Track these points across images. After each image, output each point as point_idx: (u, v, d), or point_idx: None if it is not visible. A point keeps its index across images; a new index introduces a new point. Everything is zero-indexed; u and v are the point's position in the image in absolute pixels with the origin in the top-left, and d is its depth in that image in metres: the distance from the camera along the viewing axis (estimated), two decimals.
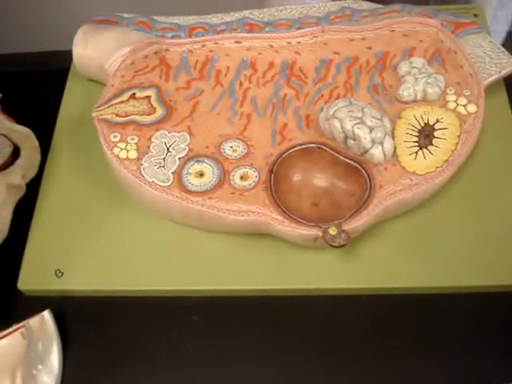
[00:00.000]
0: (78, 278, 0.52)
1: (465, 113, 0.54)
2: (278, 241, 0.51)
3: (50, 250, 0.54)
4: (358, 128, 0.51)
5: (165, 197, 0.51)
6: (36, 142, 0.58)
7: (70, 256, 0.53)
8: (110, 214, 0.55)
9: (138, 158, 0.53)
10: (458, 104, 0.54)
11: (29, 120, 0.59)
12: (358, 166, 0.52)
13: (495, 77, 0.57)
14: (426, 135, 0.53)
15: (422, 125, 0.54)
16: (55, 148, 0.60)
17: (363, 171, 0.52)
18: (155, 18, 0.63)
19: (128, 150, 0.53)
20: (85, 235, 0.55)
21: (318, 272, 0.51)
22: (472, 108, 0.54)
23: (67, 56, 0.63)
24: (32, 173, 0.58)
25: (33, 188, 0.57)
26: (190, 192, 0.51)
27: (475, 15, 0.64)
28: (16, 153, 0.57)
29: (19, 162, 0.56)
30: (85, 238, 0.54)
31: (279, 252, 0.52)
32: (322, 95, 0.57)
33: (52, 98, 0.64)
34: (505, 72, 0.57)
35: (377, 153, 0.51)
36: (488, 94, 0.56)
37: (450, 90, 0.55)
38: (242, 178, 0.52)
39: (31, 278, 0.53)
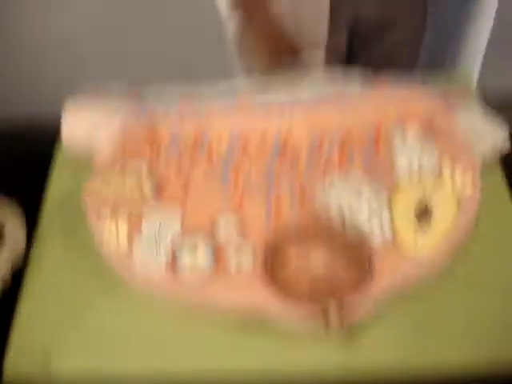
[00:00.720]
0: (66, 362, 0.50)
1: (461, 186, 0.53)
2: (274, 327, 0.50)
3: (37, 333, 0.51)
4: (356, 204, 0.50)
5: (157, 279, 0.49)
6: (21, 219, 0.57)
7: (58, 339, 0.51)
8: (100, 294, 0.53)
9: (129, 242, 0.51)
10: (454, 178, 0.54)
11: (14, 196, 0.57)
12: (356, 243, 0.51)
13: (490, 151, 0.56)
14: (423, 213, 0.52)
15: (420, 200, 0.53)
16: (43, 226, 0.58)
17: (362, 249, 0.51)
18: (145, 88, 0.63)
19: (118, 229, 0.52)
20: (73, 318, 0.52)
21: (315, 358, 0.49)
22: (469, 181, 0.53)
23: (55, 127, 0.62)
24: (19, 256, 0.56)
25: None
26: (183, 274, 0.49)
27: (464, 81, 0.64)
28: None
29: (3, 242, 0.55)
30: (73, 320, 0.52)
31: (277, 337, 0.50)
32: (317, 171, 0.56)
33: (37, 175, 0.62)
34: (499, 146, 0.57)
35: (375, 230, 0.50)
36: (482, 168, 0.55)
37: (445, 163, 0.55)
38: (238, 257, 0.50)
39: (17, 362, 0.50)
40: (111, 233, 0.52)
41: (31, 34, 1.40)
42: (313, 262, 0.52)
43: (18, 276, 0.55)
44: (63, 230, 0.58)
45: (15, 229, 0.56)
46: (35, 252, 0.56)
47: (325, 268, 0.51)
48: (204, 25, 0.98)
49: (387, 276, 0.49)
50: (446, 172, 0.54)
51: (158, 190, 0.55)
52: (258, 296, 0.48)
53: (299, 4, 0.72)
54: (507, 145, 0.57)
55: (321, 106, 0.58)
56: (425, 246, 0.50)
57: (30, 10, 1.32)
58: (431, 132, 0.57)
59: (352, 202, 0.50)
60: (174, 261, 0.50)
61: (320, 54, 0.76)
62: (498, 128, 0.57)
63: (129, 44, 1.30)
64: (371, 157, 0.56)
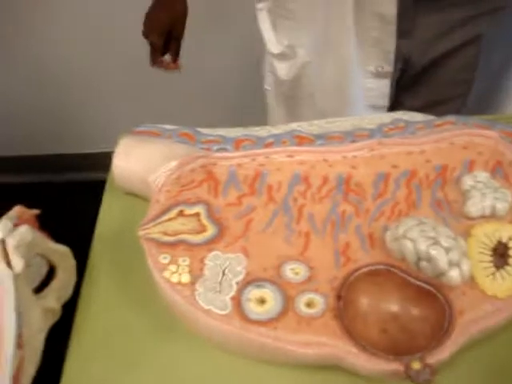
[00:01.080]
0: None
1: None
2: (348, 375, 0.46)
3: (88, 380, 0.48)
4: (434, 249, 0.47)
5: (223, 327, 0.46)
6: (73, 262, 0.54)
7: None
8: (156, 342, 0.50)
9: (192, 283, 0.48)
10: None
11: (64, 235, 0.55)
12: (431, 289, 0.48)
13: None
14: (500, 254, 0.49)
15: (495, 243, 0.50)
16: (92, 267, 0.56)
17: (439, 295, 0.48)
18: (199, 129, 0.61)
19: (180, 274, 0.49)
20: (126, 366, 0.49)
21: None
22: None
23: (106, 164, 0.60)
24: (67, 294, 0.53)
25: (67, 309, 0.52)
26: (251, 321, 0.46)
27: None
28: (51, 272, 0.52)
29: (55, 282, 0.52)
30: (126, 368, 0.49)
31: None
32: (384, 212, 0.54)
33: (88, 210, 0.60)
34: None
35: (455, 275, 0.47)
36: None
37: None
38: (308, 305, 0.47)
39: None
40: (173, 278, 0.49)
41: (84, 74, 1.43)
42: (386, 308, 0.48)
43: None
44: (114, 274, 0.55)
45: (66, 271, 0.53)
46: (84, 293, 0.54)
47: (399, 315, 0.48)
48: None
49: (469, 318, 0.46)
50: None
51: (219, 233, 0.52)
52: (332, 345, 0.45)
53: None
54: None
55: (385, 145, 0.56)
56: (504, 288, 0.48)
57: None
58: (500, 174, 0.55)
59: (429, 247, 0.47)
60: (238, 306, 0.47)
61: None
62: None
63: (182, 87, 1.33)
64: (439, 200, 0.54)
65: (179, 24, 0.90)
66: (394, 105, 0.82)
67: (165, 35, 0.89)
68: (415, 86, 0.80)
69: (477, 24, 0.74)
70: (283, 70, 0.84)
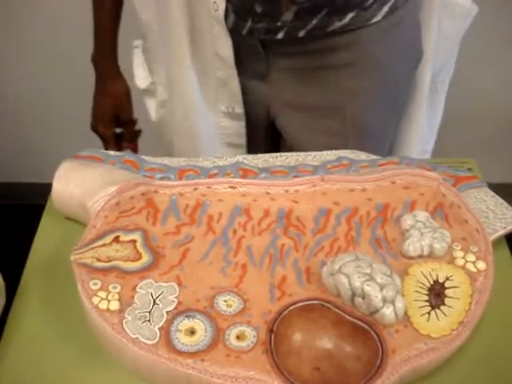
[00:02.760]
0: None
1: (474, 270, 0.51)
2: None
3: None
4: (368, 285, 0.46)
5: (150, 357, 0.45)
6: (1, 283, 0.52)
7: None
8: (84, 372, 0.48)
9: (121, 310, 0.47)
10: (466, 260, 0.51)
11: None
12: (365, 326, 0.47)
13: (501, 232, 0.55)
14: (436, 294, 0.49)
15: (432, 282, 0.50)
16: (23, 292, 0.54)
17: (372, 333, 0.47)
18: (143, 157, 0.60)
19: (109, 300, 0.47)
20: None
21: None
22: (482, 265, 0.51)
23: (44, 190, 0.59)
24: None
25: None
26: (179, 352, 0.45)
27: (469, 169, 0.63)
28: None
29: None
30: None
31: None
32: (323, 247, 0.53)
33: (23, 235, 0.58)
34: (510, 227, 0.55)
35: (388, 313, 0.46)
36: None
37: (457, 246, 0.52)
38: (238, 337, 0.46)
39: None
40: (101, 305, 0.47)
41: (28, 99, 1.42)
42: (319, 345, 0.47)
43: None
44: (45, 298, 0.53)
45: None
46: (13, 320, 0.51)
47: (332, 352, 0.47)
48: None
49: (401, 357, 0.45)
50: (459, 253, 0.52)
51: (154, 262, 0.51)
52: (260, 380, 0.44)
53: None
54: None
55: (328, 182, 0.56)
56: (438, 327, 0.47)
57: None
58: (441, 216, 0.55)
59: (363, 283, 0.47)
60: (167, 336, 0.46)
61: None
62: (510, 210, 0.56)
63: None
64: (379, 238, 0.54)
65: (124, 106, 0.84)
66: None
67: (113, 124, 0.84)
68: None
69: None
70: (152, 108, 0.84)
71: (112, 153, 0.60)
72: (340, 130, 0.74)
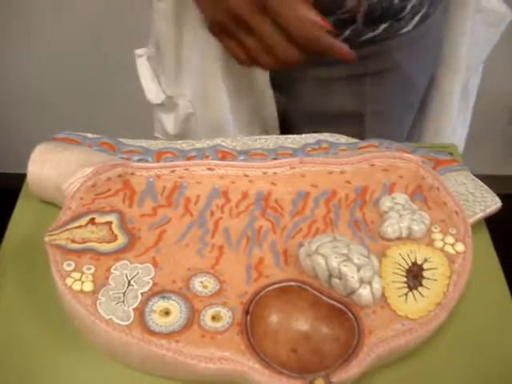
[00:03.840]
0: None
1: (453, 252, 0.50)
2: None
3: None
4: (345, 266, 0.46)
5: (123, 337, 0.44)
6: None
7: None
8: (58, 355, 0.47)
9: (94, 291, 0.46)
10: (445, 243, 0.51)
11: None
12: (342, 307, 0.47)
13: (480, 215, 0.54)
14: (414, 275, 0.49)
15: (410, 264, 0.50)
16: None
17: (349, 314, 0.46)
18: (121, 139, 0.59)
19: (83, 282, 0.47)
20: (20, 377, 0.46)
21: None
22: (460, 247, 0.51)
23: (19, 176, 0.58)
24: None
25: None
26: (153, 333, 0.44)
27: (450, 154, 0.63)
28: None
29: None
30: (20, 381, 0.46)
31: None
32: (301, 229, 0.53)
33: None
34: (490, 210, 0.55)
35: (365, 293, 0.46)
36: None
37: (436, 228, 0.52)
38: (213, 318, 0.45)
39: None
40: (75, 286, 0.46)
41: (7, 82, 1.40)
42: (296, 327, 0.47)
43: None
44: (19, 281, 0.52)
45: None
46: None
47: (309, 334, 0.47)
48: None
49: (377, 338, 0.45)
50: (438, 236, 0.51)
51: (129, 243, 0.50)
52: (235, 360, 0.43)
53: None
54: (497, 208, 0.55)
55: (306, 164, 0.56)
56: (416, 308, 0.47)
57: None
58: (420, 199, 0.55)
59: (340, 264, 0.46)
60: (141, 317, 0.45)
61: None
62: (490, 193, 0.56)
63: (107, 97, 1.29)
64: (357, 220, 0.53)
65: None
66: None
67: None
68: None
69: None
70: (169, 122, 0.77)
71: (89, 135, 0.59)
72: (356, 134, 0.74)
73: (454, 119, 0.81)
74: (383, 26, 0.66)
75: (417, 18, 0.68)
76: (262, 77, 0.70)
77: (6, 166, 1.49)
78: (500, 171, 1.73)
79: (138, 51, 0.77)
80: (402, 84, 0.73)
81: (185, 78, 0.74)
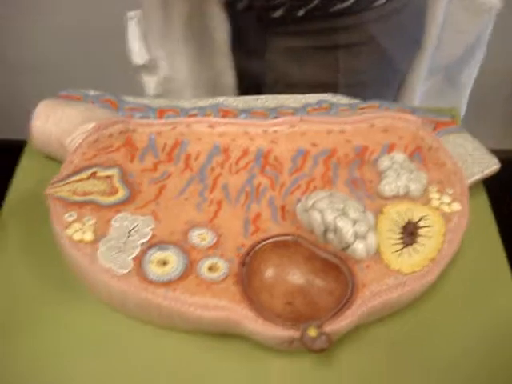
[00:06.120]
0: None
1: (449, 211, 0.51)
2: (248, 343, 0.45)
3: None
4: (341, 220, 0.47)
5: (122, 286, 0.45)
6: None
7: (8, 349, 0.46)
8: (59, 304, 0.49)
9: (94, 241, 0.47)
10: (441, 202, 0.51)
11: None
12: (337, 261, 0.48)
13: (478, 176, 0.55)
14: (410, 232, 0.49)
15: (406, 222, 0.50)
16: (2, 227, 0.54)
17: (343, 268, 0.47)
18: (124, 97, 0.60)
19: (84, 231, 0.48)
20: (22, 326, 0.47)
21: (293, 381, 0.45)
22: (456, 206, 0.51)
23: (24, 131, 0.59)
24: None
25: None
26: (150, 282, 0.45)
27: (452, 116, 0.63)
28: None
29: None
30: (22, 330, 0.47)
31: (250, 357, 0.45)
32: (299, 186, 0.53)
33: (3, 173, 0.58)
34: (488, 171, 0.55)
35: (359, 248, 0.47)
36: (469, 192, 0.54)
37: (433, 188, 0.52)
38: (210, 269, 0.46)
39: None
40: (75, 236, 0.47)
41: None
42: (292, 280, 0.48)
43: None
44: (23, 233, 0.53)
45: None
46: None
47: (305, 287, 0.48)
48: None
49: (371, 291, 0.45)
50: (435, 195, 0.52)
51: (130, 196, 0.51)
52: (230, 309, 0.44)
53: None
54: (495, 169, 0.55)
55: (306, 122, 0.56)
56: (409, 263, 0.47)
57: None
58: (419, 159, 0.55)
59: (336, 218, 0.47)
60: (139, 267, 0.46)
61: None
62: (488, 154, 0.56)
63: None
64: (355, 179, 0.54)
65: None
66: None
67: None
68: None
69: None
70: (150, 85, 0.79)
71: (91, 92, 0.60)
72: None
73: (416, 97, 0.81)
74: None
75: None
76: (222, 44, 0.70)
77: (5, 132, 1.49)
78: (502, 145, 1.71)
79: (130, 13, 0.79)
80: (376, 58, 0.72)
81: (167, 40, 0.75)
